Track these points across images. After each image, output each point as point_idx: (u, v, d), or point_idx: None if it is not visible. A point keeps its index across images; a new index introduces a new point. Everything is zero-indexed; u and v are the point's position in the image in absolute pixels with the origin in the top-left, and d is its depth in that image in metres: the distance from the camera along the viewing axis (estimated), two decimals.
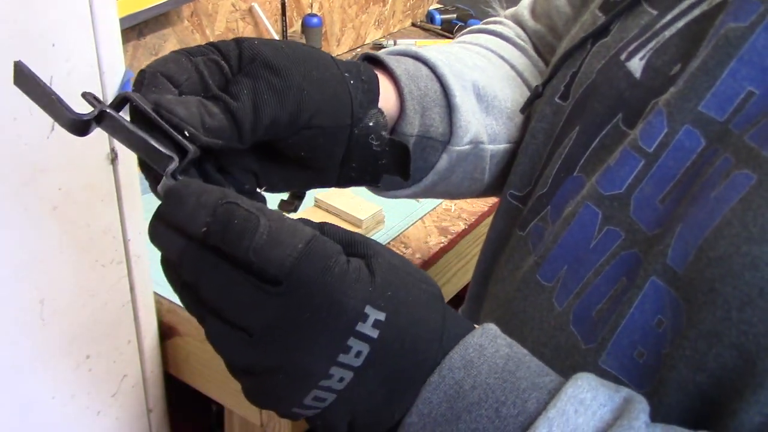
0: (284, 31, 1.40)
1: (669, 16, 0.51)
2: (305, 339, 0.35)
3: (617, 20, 0.54)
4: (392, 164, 0.53)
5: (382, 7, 1.71)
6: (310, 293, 0.35)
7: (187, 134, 0.41)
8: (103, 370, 0.78)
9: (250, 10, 1.37)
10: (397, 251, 1.00)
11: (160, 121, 0.40)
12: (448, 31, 1.76)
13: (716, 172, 0.43)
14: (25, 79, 0.42)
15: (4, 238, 0.62)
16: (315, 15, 1.49)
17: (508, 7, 0.78)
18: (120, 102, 0.41)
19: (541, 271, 0.53)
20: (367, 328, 0.35)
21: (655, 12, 0.52)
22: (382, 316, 0.36)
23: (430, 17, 1.84)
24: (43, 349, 0.70)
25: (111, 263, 0.73)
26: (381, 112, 0.52)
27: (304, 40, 1.44)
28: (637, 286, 0.46)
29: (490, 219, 1.13)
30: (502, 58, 0.68)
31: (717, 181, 0.43)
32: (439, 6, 1.86)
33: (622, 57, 0.52)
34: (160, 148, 0.40)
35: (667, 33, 0.50)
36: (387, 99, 0.55)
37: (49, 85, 0.42)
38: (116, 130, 0.41)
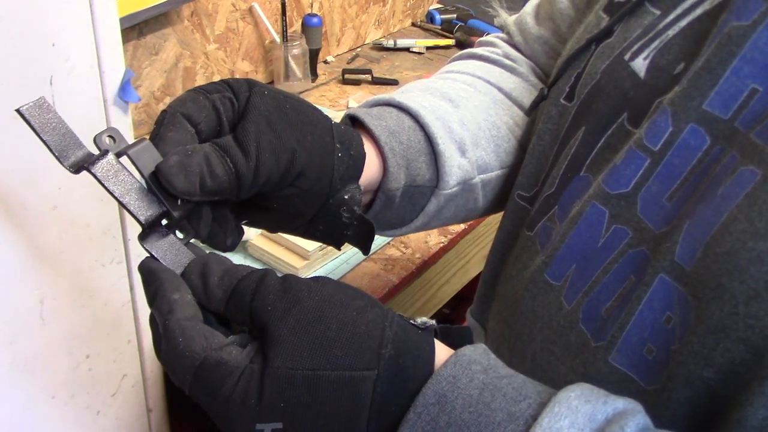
0: (284, 31, 1.40)
1: (672, 16, 0.51)
2: None
3: (621, 21, 0.54)
4: (356, 237, 0.55)
5: (382, 7, 1.71)
6: (210, 413, 0.39)
7: (179, 203, 0.43)
8: (103, 369, 0.78)
9: (250, 10, 1.37)
10: (397, 251, 1.00)
11: (151, 185, 0.42)
12: (448, 31, 1.76)
13: (723, 170, 0.44)
14: (40, 112, 0.43)
15: (4, 238, 0.62)
16: (315, 15, 1.49)
17: (508, 7, 0.79)
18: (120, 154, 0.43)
19: (549, 270, 0.53)
20: None
21: (658, 12, 0.52)
22: (278, 425, 0.38)
23: (430, 17, 1.84)
24: (43, 348, 0.70)
25: (111, 263, 0.73)
26: (359, 188, 0.53)
27: (304, 40, 1.44)
28: (646, 284, 0.46)
29: (489, 219, 1.13)
30: (488, 82, 0.68)
31: (723, 178, 0.43)
32: (439, 6, 1.86)
33: (626, 57, 0.52)
34: (140, 213, 0.43)
35: (671, 32, 0.51)
36: (370, 159, 0.55)
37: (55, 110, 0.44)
38: (112, 176, 0.42)
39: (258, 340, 0.40)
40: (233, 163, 0.44)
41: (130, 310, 0.78)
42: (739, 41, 0.45)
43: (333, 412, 0.38)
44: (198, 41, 1.28)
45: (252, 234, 0.97)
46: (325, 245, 0.94)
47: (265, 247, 0.95)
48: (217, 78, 1.35)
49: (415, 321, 0.42)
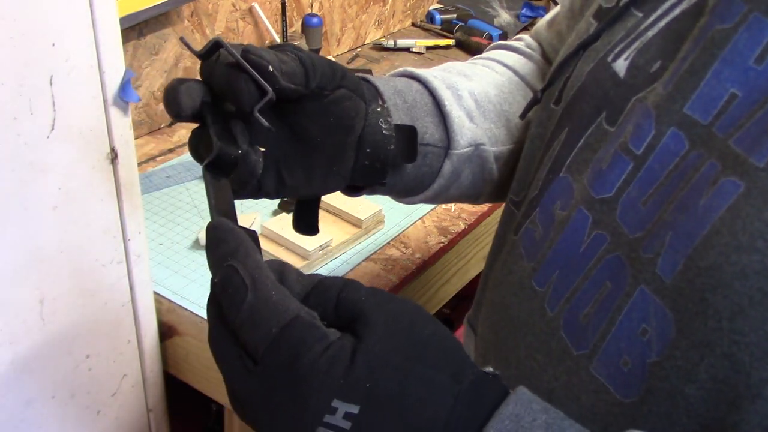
0: (284, 31, 1.40)
1: (653, 17, 0.52)
2: (275, 421, 0.36)
3: (609, 26, 0.55)
4: (400, 148, 0.57)
5: (382, 7, 1.71)
6: (278, 382, 0.36)
7: (271, 70, 0.47)
8: (103, 369, 0.78)
9: (250, 10, 1.37)
10: (397, 251, 1.00)
11: (246, 65, 0.46)
12: (448, 31, 1.76)
13: (703, 179, 0.43)
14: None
15: (4, 238, 0.62)
16: (315, 15, 1.49)
17: (507, 7, 0.81)
18: (212, 47, 0.47)
19: (536, 276, 0.53)
20: (337, 420, 0.35)
21: (640, 14, 0.53)
22: (354, 408, 0.35)
23: (430, 17, 1.84)
24: (43, 348, 0.70)
25: (111, 263, 0.73)
26: (383, 105, 0.57)
27: (304, 40, 1.44)
28: (627, 294, 0.46)
29: (489, 220, 1.13)
30: (505, 65, 0.71)
31: (704, 188, 0.42)
32: (439, 6, 1.86)
33: (609, 59, 0.53)
34: (251, 85, 0.46)
35: (650, 33, 0.51)
36: None
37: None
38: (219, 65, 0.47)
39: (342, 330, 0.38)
40: (293, 54, 0.49)
41: (130, 310, 0.78)
42: (721, 44, 0.44)
43: (414, 411, 0.36)
44: (198, 41, 1.28)
45: None
46: (325, 245, 0.94)
47: (265, 247, 0.95)
48: None
49: (484, 369, 0.40)
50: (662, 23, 0.51)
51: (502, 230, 0.64)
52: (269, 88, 0.46)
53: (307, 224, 0.60)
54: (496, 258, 0.63)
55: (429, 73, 0.64)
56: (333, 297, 0.38)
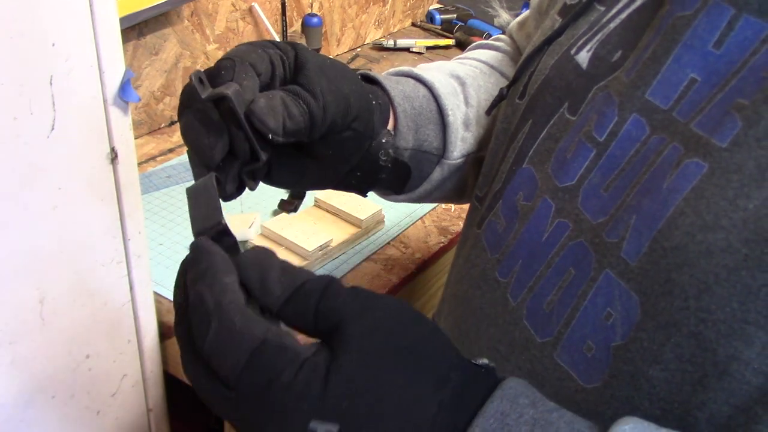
0: (284, 31, 1.40)
1: (614, 10, 0.53)
2: None
3: (573, 22, 0.56)
4: (390, 179, 0.60)
5: (382, 7, 1.71)
6: (255, 407, 0.35)
7: (270, 137, 0.46)
8: (103, 369, 0.78)
9: (250, 10, 1.37)
10: (397, 251, 1.00)
11: (247, 128, 0.45)
12: (448, 31, 1.76)
13: (666, 162, 0.43)
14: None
15: (4, 238, 0.62)
16: (315, 15, 1.49)
17: (507, 7, 0.82)
18: (217, 98, 0.45)
19: (500, 267, 0.54)
20: None
21: (603, 8, 0.54)
22: (334, 428, 0.34)
23: (430, 17, 1.84)
24: (43, 348, 0.70)
25: (111, 263, 0.73)
26: (390, 133, 0.59)
27: (304, 40, 1.44)
28: (592, 279, 0.46)
29: None
30: (492, 67, 0.73)
31: (668, 170, 0.43)
32: (439, 6, 1.86)
33: (572, 51, 0.54)
34: (245, 145, 0.46)
35: (612, 25, 0.52)
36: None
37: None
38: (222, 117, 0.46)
39: (321, 341, 0.37)
40: (306, 105, 0.48)
41: (130, 310, 0.78)
42: (681, 30, 0.45)
43: (395, 424, 0.35)
44: (198, 41, 1.28)
45: (252, 234, 0.97)
46: (325, 245, 0.94)
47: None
48: None
49: (476, 361, 0.39)
50: (624, 15, 0.52)
51: (466, 226, 0.65)
52: (261, 158, 0.46)
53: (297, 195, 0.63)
54: (459, 253, 0.63)
55: (434, 78, 0.65)
56: (312, 308, 0.37)
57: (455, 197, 0.71)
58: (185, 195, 0.45)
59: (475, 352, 0.54)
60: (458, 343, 0.57)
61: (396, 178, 0.60)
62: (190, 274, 0.39)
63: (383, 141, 0.57)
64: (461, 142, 0.64)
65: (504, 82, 0.70)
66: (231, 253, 0.40)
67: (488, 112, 0.66)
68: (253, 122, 0.45)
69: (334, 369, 0.35)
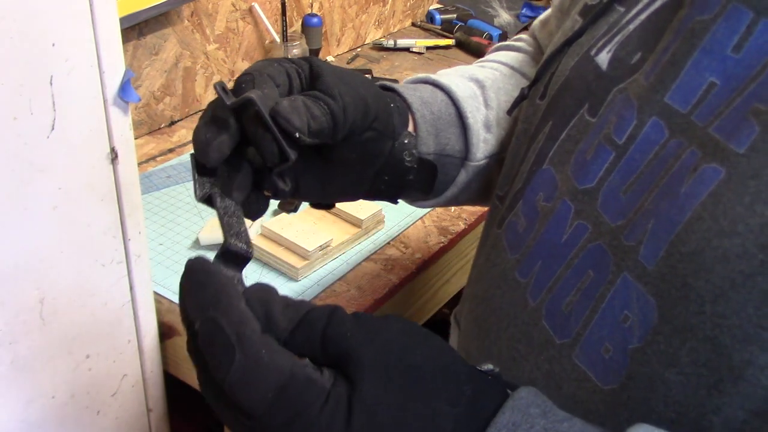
0: (284, 31, 1.40)
1: (634, 11, 0.53)
2: None
3: (593, 22, 0.56)
4: (418, 180, 0.61)
5: (382, 7, 1.71)
6: None
7: (297, 136, 0.46)
8: (103, 369, 0.78)
9: (250, 10, 1.37)
10: (397, 251, 1.00)
11: (274, 128, 0.46)
12: (448, 31, 1.76)
13: (684, 166, 0.44)
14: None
15: (4, 238, 0.62)
16: (315, 15, 1.49)
17: (507, 7, 0.82)
18: (242, 104, 0.46)
19: (519, 268, 0.54)
20: None
21: (622, 9, 0.54)
22: None
23: (430, 17, 1.84)
24: (42, 348, 0.70)
25: (111, 263, 0.73)
26: (411, 134, 0.60)
27: (304, 40, 1.44)
28: (610, 282, 0.46)
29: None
30: (512, 68, 0.74)
31: (685, 175, 0.43)
32: (439, 6, 1.86)
33: (592, 52, 0.54)
34: (274, 146, 0.46)
35: (631, 26, 0.52)
36: None
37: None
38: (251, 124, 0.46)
39: (331, 368, 0.37)
40: (326, 105, 0.49)
41: (130, 310, 0.78)
42: (701, 34, 0.45)
43: None
44: (198, 41, 1.28)
45: (252, 234, 0.97)
46: (325, 245, 0.94)
47: (265, 247, 0.95)
48: (217, 78, 1.35)
49: (481, 367, 0.40)
50: (643, 16, 0.52)
51: (487, 226, 0.65)
52: (291, 156, 0.46)
53: (322, 206, 0.63)
54: (480, 253, 0.64)
55: (451, 82, 0.66)
56: (318, 334, 0.37)
57: (482, 199, 0.71)
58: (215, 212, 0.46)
59: (495, 352, 0.55)
60: (478, 341, 0.58)
61: (423, 179, 0.61)
62: (196, 298, 0.38)
63: (405, 142, 0.58)
64: (483, 143, 0.65)
65: (525, 83, 0.70)
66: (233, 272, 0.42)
67: (509, 111, 0.66)
68: (279, 122, 0.46)
69: (357, 400, 0.35)
